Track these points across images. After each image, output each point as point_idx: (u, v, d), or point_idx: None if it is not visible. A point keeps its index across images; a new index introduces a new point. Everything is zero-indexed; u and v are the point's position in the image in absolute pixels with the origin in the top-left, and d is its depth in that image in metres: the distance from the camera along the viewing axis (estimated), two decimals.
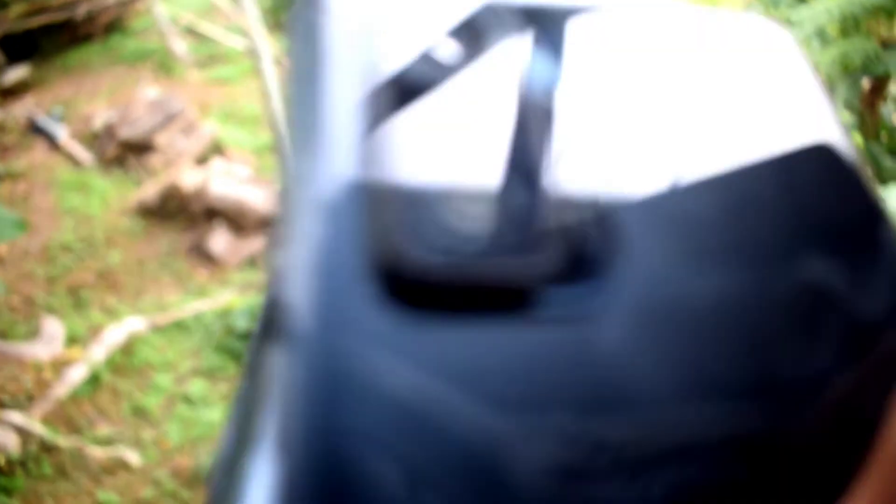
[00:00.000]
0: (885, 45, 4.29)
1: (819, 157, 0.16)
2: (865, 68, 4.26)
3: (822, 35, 4.20)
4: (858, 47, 4.18)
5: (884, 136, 4.22)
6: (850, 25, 4.22)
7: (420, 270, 0.12)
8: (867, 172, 0.16)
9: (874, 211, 0.15)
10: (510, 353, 0.12)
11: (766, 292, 0.13)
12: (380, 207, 0.14)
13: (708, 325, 0.13)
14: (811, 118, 0.16)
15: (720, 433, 0.11)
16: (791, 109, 0.16)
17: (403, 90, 0.16)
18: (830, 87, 4.27)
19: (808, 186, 0.15)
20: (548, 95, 0.15)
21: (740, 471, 0.11)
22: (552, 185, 0.14)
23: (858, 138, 4.03)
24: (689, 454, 0.11)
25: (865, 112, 4.25)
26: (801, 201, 0.15)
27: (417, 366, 0.12)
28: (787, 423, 0.12)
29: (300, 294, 0.13)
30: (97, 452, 2.30)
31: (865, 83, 4.32)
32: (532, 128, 0.14)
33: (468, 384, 0.11)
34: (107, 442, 2.36)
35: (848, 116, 4.12)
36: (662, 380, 0.12)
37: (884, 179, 3.79)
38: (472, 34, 0.16)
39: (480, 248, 0.12)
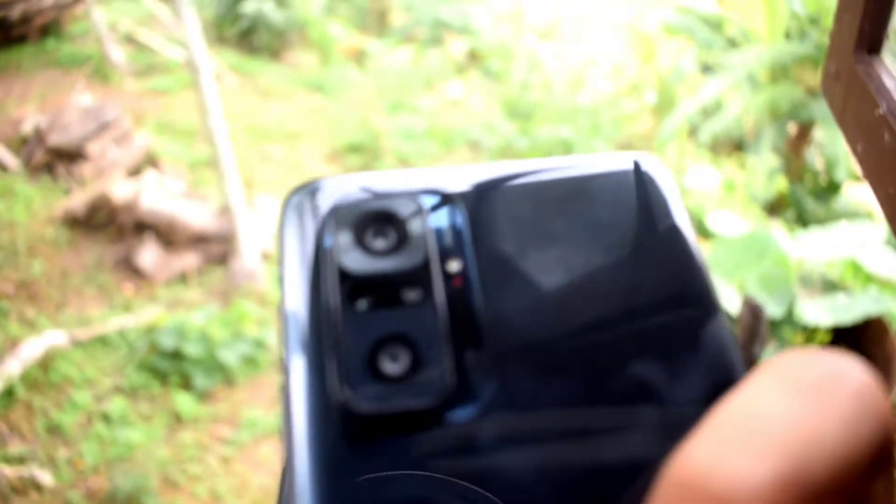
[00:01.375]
0: (812, 92, 4.51)
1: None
2: (792, 114, 4.46)
3: (752, 80, 4.39)
4: (786, 94, 4.38)
5: (808, 179, 4.42)
6: (779, 72, 4.42)
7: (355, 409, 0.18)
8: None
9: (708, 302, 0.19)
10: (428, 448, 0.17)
11: (599, 393, 0.18)
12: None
13: (560, 420, 0.18)
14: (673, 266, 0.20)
15: None
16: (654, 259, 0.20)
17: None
18: (759, 130, 4.45)
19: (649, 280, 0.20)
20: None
21: None
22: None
23: (784, 181, 4.21)
24: None
25: (791, 156, 4.45)
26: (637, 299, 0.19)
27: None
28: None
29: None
30: (7, 471, 2.21)
31: (792, 128, 4.52)
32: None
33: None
34: (18, 461, 2.27)
35: (775, 160, 4.30)
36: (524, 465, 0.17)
37: (806, 222, 3.96)
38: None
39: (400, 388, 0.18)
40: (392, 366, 0.19)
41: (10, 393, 2.45)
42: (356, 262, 0.20)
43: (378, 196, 0.22)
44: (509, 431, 0.18)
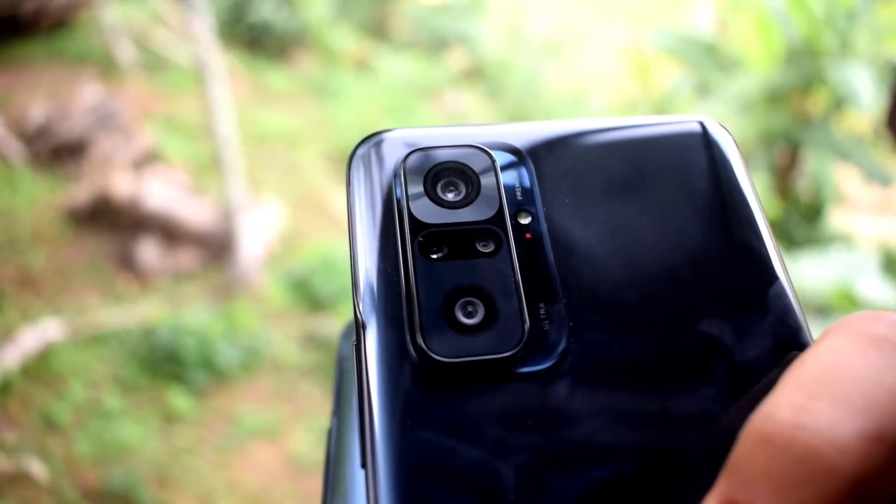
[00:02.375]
0: (802, 118, 4.59)
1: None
2: (784, 139, 4.54)
3: (746, 107, 4.47)
4: (779, 120, 4.46)
5: (795, 202, 4.49)
6: (773, 98, 4.49)
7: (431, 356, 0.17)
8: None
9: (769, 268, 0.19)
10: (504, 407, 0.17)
11: (669, 348, 0.18)
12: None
13: (632, 373, 0.18)
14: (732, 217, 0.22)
15: (642, 452, 0.17)
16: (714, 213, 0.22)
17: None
18: (750, 154, 4.53)
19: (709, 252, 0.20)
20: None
21: (651, 478, 0.16)
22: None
23: (776, 204, 4.28)
24: (612, 462, 0.17)
25: (781, 179, 4.52)
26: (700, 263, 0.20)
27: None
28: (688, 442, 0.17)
29: None
30: (1, 461, 2.21)
31: (782, 152, 4.60)
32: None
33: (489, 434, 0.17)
34: (12, 452, 2.27)
35: (767, 181, 4.38)
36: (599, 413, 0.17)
37: (796, 245, 4.03)
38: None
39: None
40: (467, 316, 0.19)
41: (6, 383, 2.45)
42: (429, 212, 0.20)
43: (448, 148, 0.22)
44: (581, 382, 0.18)
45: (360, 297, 0.19)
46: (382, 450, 0.17)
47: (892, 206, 4.98)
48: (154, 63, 4.15)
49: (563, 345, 0.19)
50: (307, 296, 2.95)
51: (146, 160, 3.37)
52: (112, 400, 2.48)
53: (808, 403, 0.13)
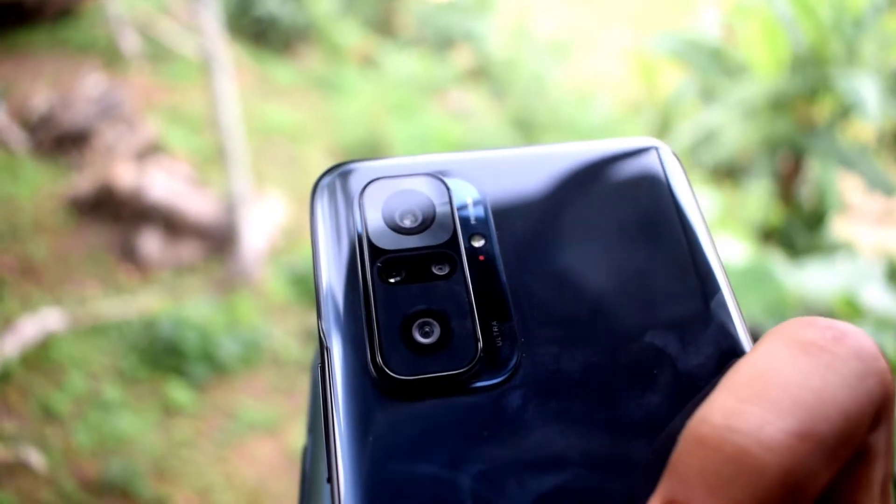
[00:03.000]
0: (807, 125, 4.59)
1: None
2: (788, 146, 4.54)
3: (750, 111, 4.47)
4: (783, 126, 4.46)
5: (797, 209, 4.50)
6: (777, 105, 4.49)
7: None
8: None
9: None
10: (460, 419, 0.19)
11: (617, 360, 0.20)
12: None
13: (581, 384, 0.19)
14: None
15: (598, 458, 0.18)
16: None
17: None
18: (754, 159, 4.52)
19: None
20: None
21: (601, 483, 0.18)
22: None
23: (778, 210, 4.29)
24: (565, 469, 0.18)
25: (784, 186, 4.53)
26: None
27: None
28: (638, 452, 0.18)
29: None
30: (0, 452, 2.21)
31: (785, 159, 4.60)
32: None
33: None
34: (11, 440, 2.27)
35: (769, 188, 4.38)
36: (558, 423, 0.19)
37: (795, 251, 4.04)
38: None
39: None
40: (423, 336, 0.20)
41: (6, 372, 2.44)
42: (386, 239, 0.22)
43: (405, 177, 0.23)
44: (532, 394, 0.19)
45: (324, 320, 0.20)
46: (345, 465, 0.18)
47: (894, 217, 4.98)
48: (159, 54, 4.14)
49: (514, 360, 0.20)
50: (308, 291, 2.95)
51: (149, 151, 3.36)
52: (112, 391, 2.48)
53: (739, 406, 0.14)
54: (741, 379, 0.15)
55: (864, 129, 4.56)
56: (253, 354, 2.69)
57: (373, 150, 3.78)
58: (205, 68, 2.95)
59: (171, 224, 3.00)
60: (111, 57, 4.05)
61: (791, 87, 4.53)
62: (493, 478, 0.18)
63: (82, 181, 3.16)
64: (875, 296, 2.23)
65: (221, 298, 2.86)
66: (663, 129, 4.66)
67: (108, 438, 2.33)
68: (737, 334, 0.20)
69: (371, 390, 0.19)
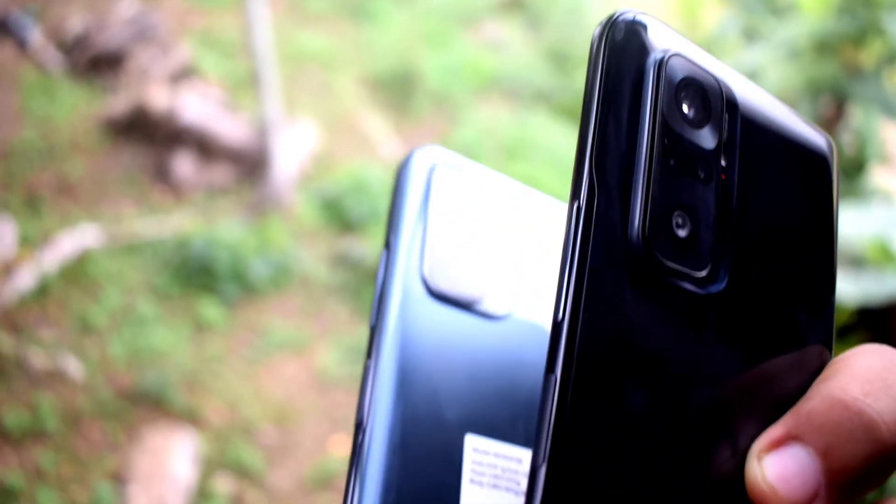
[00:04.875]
0: (851, 70, 4.44)
1: None
2: (831, 91, 4.40)
3: (793, 53, 4.32)
4: (827, 70, 4.32)
5: (840, 154, 4.39)
6: (822, 48, 4.34)
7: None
8: None
9: None
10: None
11: (780, 312, 0.23)
12: None
13: (761, 327, 0.22)
14: None
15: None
16: None
17: None
18: (795, 103, 4.40)
19: None
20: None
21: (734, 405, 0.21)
22: None
23: None
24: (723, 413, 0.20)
25: (825, 131, 4.41)
26: None
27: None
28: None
29: None
30: (39, 358, 2.29)
31: (827, 104, 4.47)
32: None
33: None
34: (50, 348, 2.35)
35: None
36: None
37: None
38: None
39: None
40: (678, 228, 0.20)
41: (45, 285, 2.52)
42: (673, 119, 0.21)
43: (701, 70, 0.22)
44: (732, 318, 0.21)
45: (593, 163, 0.19)
46: (584, 310, 0.18)
47: None
48: None
49: (727, 281, 0.21)
50: (338, 217, 2.97)
51: (183, 74, 3.37)
52: (146, 306, 2.55)
53: (873, 390, 0.19)
54: (869, 373, 0.20)
55: None
56: (282, 276, 2.74)
57: (405, 79, 3.74)
58: None
59: (204, 147, 3.03)
60: None
61: (838, 28, 4.36)
62: (691, 375, 0.20)
63: (117, 102, 3.19)
64: None
65: (252, 221, 2.90)
66: None
67: (142, 351, 2.41)
68: (832, 331, 0.23)
69: (622, 259, 0.19)
